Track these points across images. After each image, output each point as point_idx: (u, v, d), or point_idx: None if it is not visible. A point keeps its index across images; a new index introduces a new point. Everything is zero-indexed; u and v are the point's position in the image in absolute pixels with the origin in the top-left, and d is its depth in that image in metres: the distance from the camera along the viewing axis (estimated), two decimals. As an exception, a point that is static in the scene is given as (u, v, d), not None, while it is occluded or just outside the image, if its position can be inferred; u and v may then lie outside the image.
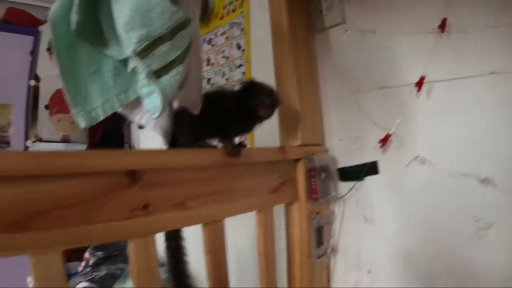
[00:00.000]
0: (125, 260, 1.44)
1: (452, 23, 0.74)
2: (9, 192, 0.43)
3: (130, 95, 0.60)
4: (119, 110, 0.63)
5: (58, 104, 1.86)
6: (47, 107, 1.85)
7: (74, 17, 0.55)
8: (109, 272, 1.37)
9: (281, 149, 0.76)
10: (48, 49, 1.87)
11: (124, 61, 0.61)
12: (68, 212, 0.48)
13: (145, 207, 0.54)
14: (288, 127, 0.85)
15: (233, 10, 1.24)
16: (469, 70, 0.72)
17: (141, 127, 1.77)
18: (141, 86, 0.53)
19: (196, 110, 0.62)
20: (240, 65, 1.20)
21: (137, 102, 0.64)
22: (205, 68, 1.34)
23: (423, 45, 0.79)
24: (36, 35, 1.93)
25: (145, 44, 0.47)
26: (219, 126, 0.67)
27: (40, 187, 0.45)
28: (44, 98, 1.85)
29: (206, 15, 1.32)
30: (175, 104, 0.67)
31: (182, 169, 0.58)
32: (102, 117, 0.59)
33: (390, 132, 0.81)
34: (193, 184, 0.60)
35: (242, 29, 1.20)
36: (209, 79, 1.33)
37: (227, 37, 1.26)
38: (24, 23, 1.98)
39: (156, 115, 0.51)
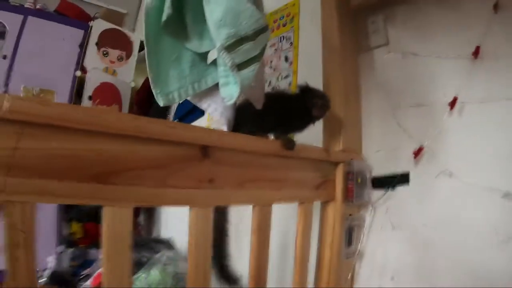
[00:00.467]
0: (150, 250, 1.51)
1: (486, 50, 0.84)
2: (103, 147, 0.50)
3: (202, 85, 0.69)
4: (189, 98, 0.72)
5: (101, 96, 1.99)
6: (90, 97, 1.98)
7: (166, 10, 0.65)
8: (136, 259, 1.43)
9: (327, 150, 0.83)
10: (97, 44, 2.02)
11: (201, 55, 0.71)
12: (148, 173, 0.55)
13: (211, 181, 0.62)
14: (332, 132, 0.93)
15: (284, 25, 1.34)
16: (498, 94, 0.80)
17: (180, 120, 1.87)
18: (220, 76, 0.62)
19: (259, 105, 0.70)
20: (287, 76, 1.29)
21: (205, 93, 0.73)
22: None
23: (458, 68, 0.88)
24: (87, 30, 2.07)
25: (233, 40, 0.56)
26: (277, 122, 0.75)
27: (129, 146, 0.53)
28: (88, 89, 1.98)
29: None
30: (240, 98, 0.75)
31: (245, 152, 0.66)
32: (177, 100, 0.68)
33: (424, 145, 0.87)
34: (253, 169, 0.68)
35: (291, 43, 1.30)
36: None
37: (275, 49, 1.36)
38: (75, 16, 2.14)
39: (231, 102, 0.60)
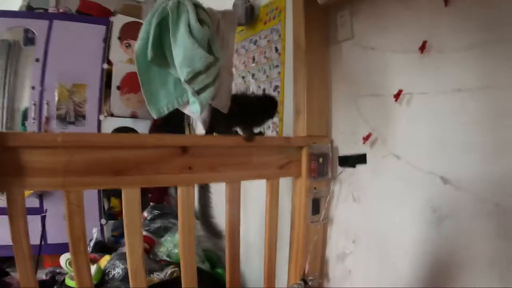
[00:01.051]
0: (176, 216, 2.03)
1: (434, 44, 1.05)
2: (119, 154, 0.94)
3: (184, 99, 1.10)
4: (177, 106, 1.14)
5: (127, 85, 2.49)
6: (118, 87, 2.48)
7: (149, 53, 1.05)
8: (163, 225, 1.97)
9: (287, 139, 1.22)
10: (119, 38, 2.50)
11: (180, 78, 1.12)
12: (147, 166, 0.99)
13: (190, 168, 1.04)
14: (298, 121, 1.30)
15: (274, 18, 1.67)
16: (443, 87, 1.02)
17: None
18: (189, 97, 1.03)
19: (225, 110, 1.10)
20: (277, 66, 1.63)
21: (187, 103, 1.14)
22: (251, 65, 1.82)
23: (407, 62, 1.11)
24: (108, 25, 2.55)
25: (191, 75, 0.96)
26: (242, 120, 1.15)
27: (134, 152, 0.97)
28: (116, 80, 2.48)
29: (252, 19, 1.78)
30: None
31: (215, 146, 1.07)
32: (166, 112, 1.10)
33: (373, 131, 1.21)
34: (222, 157, 1.09)
35: (280, 35, 1.63)
36: (253, 75, 1.80)
37: (268, 40, 1.70)
38: (96, 14, 2.62)
39: (196, 115, 1.01)
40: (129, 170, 0.97)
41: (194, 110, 1.02)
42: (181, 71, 0.97)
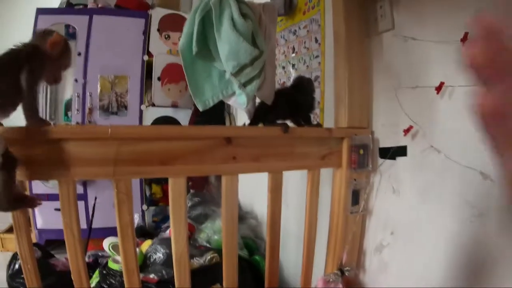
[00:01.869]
0: (216, 204, 2.07)
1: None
2: (166, 146, 0.97)
3: (228, 91, 1.12)
4: (222, 98, 1.16)
5: (168, 76, 2.55)
6: (159, 78, 2.54)
7: (194, 48, 1.07)
8: (203, 212, 2.03)
9: (329, 130, 1.21)
10: (158, 30, 2.54)
11: (224, 71, 1.13)
12: (192, 157, 1.01)
13: (234, 158, 1.06)
14: (339, 112, 1.29)
15: (313, 8, 1.65)
16: None
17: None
18: (235, 89, 1.04)
19: (269, 102, 1.11)
20: (317, 56, 1.62)
21: (232, 95, 1.15)
22: (291, 55, 1.82)
23: (448, 53, 1.08)
24: (147, 18, 2.60)
25: (237, 69, 0.98)
26: (284, 112, 1.15)
27: (180, 143, 0.99)
28: (156, 71, 2.54)
29: (291, 9, 1.77)
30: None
31: (258, 137, 1.08)
32: (212, 104, 1.12)
33: (412, 125, 1.18)
34: (264, 147, 1.10)
35: (319, 25, 1.61)
36: (293, 65, 1.80)
37: (308, 31, 1.69)
38: (134, 7, 2.68)
39: (243, 107, 1.02)
40: (175, 160, 1.00)
41: (241, 102, 1.03)
42: (227, 65, 0.99)
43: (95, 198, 1.59)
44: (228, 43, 0.98)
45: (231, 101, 1.17)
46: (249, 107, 1.16)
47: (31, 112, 0.87)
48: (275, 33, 1.21)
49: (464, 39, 1.03)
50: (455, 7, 1.08)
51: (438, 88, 1.10)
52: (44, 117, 2.49)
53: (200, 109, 1.12)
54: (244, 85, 1.00)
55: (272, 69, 1.15)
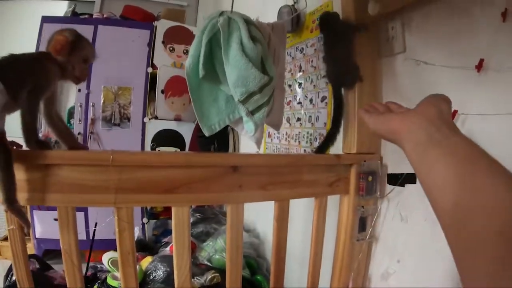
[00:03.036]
0: (218, 222, 2.01)
1: (491, 61, 0.96)
2: (171, 173, 0.92)
3: (235, 116, 1.07)
4: (228, 123, 1.11)
5: (172, 89, 2.51)
6: (162, 91, 2.50)
7: (201, 70, 1.02)
8: (205, 230, 1.97)
9: (337, 157, 1.16)
10: (163, 42, 2.50)
11: (231, 95, 1.08)
12: (197, 185, 0.96)
13: (240, 186, 1.00)
14: (348, 137, 1.24)
15: (320, 36, 1.61)
16: (499, 107, 0.94)
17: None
18: (243, 116, 0.99)
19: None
20: (325, 76, 1.56)
21: (239, 119, 1.10)
22: (298, 74, 1.76)
23: (462, 79, 1.03)
24: (152, 29, 2.56)
25: (245, 96, 0.93)
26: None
27: (185, 171, 0.94)
28: (160, 83, 2.50)
29: (298, 26, 1.72)
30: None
31: (265, 165, 1.03)
32: (218, 129, 1.07)
33: None
34: (271, 175, 1.05)
35: (327, 44, 1.57)
36: (300, 84, 1.74)
37: (315, 49, 1.63)
38: (139, 18, 2.64)
39: (251, 135, 0.97)
40: (179, 188, 0.95)
41: (248, 129, 0.98)
42: (235, 91, 0.94)
43: (95, 224, 1.54)
44: (236, 68, 0.93)
45: (238, 127, 1.12)
46: (256, 135, 1.11)
47: (30, 134, 0.83)
48: (284, 54, 1.17)
49: (479, 66, 0.99)
50: (469, 32, 1.03)
51: (452, 116, 1.05)
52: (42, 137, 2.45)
53: (206, 134, 1.07)
54: (252, 113, 0.95)
55: (281, 93, 1.10)
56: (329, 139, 1.20)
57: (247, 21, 0.99)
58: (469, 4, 1.03)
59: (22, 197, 0.83)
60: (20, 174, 0.81)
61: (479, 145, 0.53)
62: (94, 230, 1.55)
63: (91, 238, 2.06)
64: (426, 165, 0.54)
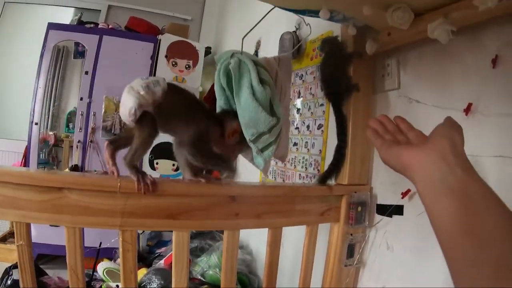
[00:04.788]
0: (212, 238, 2.10)
1: (479, 105, 1.04)
2: (173, 201, 1.02)
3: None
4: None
5: None
6: (163, 105, 2.58)
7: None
8: (200, 245, 2.06)
9: (330, 188, 1.26)
10: (166, 56, 2.60)
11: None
12: (197, 212, 1.06)
13: (237, 214, 1.10)
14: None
15: (320, 55, 1.70)
16: (484, 150, 1.01)
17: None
18: (253, 152, 1.10)
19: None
20: (322, 104, 1.66)
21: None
22: (297, 99, 1.85)
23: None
24: (156, 43, 2.66)
25: (255, 136, 1.03)
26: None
27: (187, 199, 1.03)
28: (162, 98, 2.58)
29: (299, 53, 1.82)
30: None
31: (261, 196, 1.13)
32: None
33: (410, 188, 1.23)
34: (266, 205, 1.15)
35: (325, 74, 1.66)
36: (298, 109, 1.84)
37: (314, 77, 1.73)
38: (144, 31, 2.73)
39: (260, 168, 1.07)
40: (181, 214, 1.04)
41: (258, 164, 1.10)
42: (246, 131, 1.06)
43: (100, 244, 1.62)
44: (248, 111, 1.03)
45: (247, 157, 1.22)
46: (265, 168, 1.21)
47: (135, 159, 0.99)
48: (290, 87, 1.27)
49: (467, 109, 1.06)
50: (460, 76, 1.12)
51: None
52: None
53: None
54: (261, 150, 1.07)
55: (287, 127, 1.20)
56: (337, 164, 1.27)
57: (256, 63, 1.09)
58: (461, 48, 1.12)
59: (32, 216, 0.93)
60: (32, 195, 0.91)
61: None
62: (98, 250, 1.64)
63: (86, 246, 2.14)
64: (437, 211, 0.55)
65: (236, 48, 1.18)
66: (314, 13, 1.15)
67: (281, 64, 1.24)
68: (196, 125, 1.02)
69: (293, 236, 1.74)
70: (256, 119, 1.02)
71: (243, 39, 1.21)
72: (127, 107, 0.91)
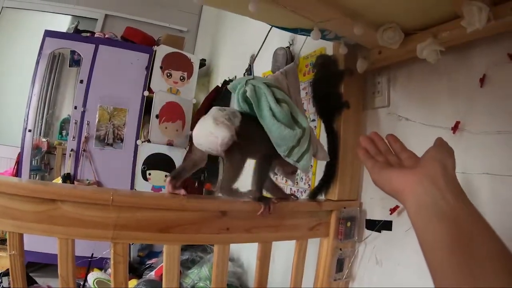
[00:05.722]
0: (203, 250, 2.12)
1: (467, 123, 1.08)
2: (165, 214, 1.04)
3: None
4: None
5: (166, 114, 2.64)
6: (157, 116, 2.62)
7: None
8: (191, 257, 2.08)
9: (319, 204, 1.29)
10: (161, 67, 2.63)
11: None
12: (189, 227, 1.08)
13: (227, 229, 1.12)
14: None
15: (313, 71, 1.74)
16: (470, 167, 1.05)
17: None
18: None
19: (327, 159, 1.27)
20: (314, 120, 1.69)
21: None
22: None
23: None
24: (151, 54, 2.70)
25: (287, 151, 1.09)
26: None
27: (178, 213, 1.06)
28: (155, 108, 2.62)
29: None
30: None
31: (251, 211, 1.16)
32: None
33: (398, 204, 1.26)
34: (257, 219, 1.17)
35: (317, 90, 1.70)
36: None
37: (306, 93, 1.77)
38: (140, 41, 2.77)
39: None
40: (172, 228, 1.06)
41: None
42: (279, 149, 1.12)
43: (92, 255, 1.64)
44: (273, 132, 1.09)
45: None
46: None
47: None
48: (299, 93, 1.36)
49: (454, 127, 1.10)
50: (449, 94, 1.16)
51: None
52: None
53: None
54: (297, 161, 1.12)
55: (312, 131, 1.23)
56: (327, 180, 1.34)
57: (269, 85, 1.14)
58: (450, 67, 1.16)
59: (27, 226, 0.94)
60: (27, 206, 0.92)
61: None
62: (90, 261, 1.65)
63: (77, 255, 2.15)
64: (428, 236, 0.57)
65: (231, 61, 1.23)
66: (306, 32, 1.19)
67: (288, 75, 1.29)
68: (265, 147, 1.13)
69: (284, 251, 1.77)
70: (282, 137, 1.08)
71: (252, 63, 1.25)
72: (219, 137, 1.01)
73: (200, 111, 2.82)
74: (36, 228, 0.96)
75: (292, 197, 1.26)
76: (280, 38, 1.99)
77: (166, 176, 2.67)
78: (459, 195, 0.58)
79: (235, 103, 1.18)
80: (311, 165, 1.28)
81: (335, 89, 1.32)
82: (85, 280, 1.78)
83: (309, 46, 1.78)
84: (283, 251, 1.77)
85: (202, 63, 2.95)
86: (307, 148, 1.13)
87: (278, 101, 1.10)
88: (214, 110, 1.07)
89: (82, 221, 0.98)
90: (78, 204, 0.97)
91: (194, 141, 1.08)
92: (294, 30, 1.25)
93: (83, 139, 2.59)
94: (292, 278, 1.30)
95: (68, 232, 0.98)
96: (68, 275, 1.00)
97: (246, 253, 2.33)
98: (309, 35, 1.11)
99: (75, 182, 2.61)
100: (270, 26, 1.32)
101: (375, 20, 1.12)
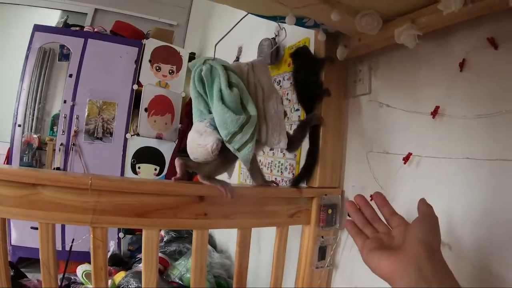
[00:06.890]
0: (191, 242, 2.15)
1: (446, 108, 1.09)
2: (143, 199, 1.07)
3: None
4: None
5: (155, 107, 2.67)
6: (146, 109, 2.65)
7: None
8: (178, 249, 2.12)
9: (299, 190, 1.31)
10: (150, 61, 2.66)
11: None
12: (167, 211, 1.11)
13: (205, 214, 1.15)
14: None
15: (293, 61, 1.77)
16: (450, 152, 1.06)
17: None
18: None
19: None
20: (298, 110, 1.72)
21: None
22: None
23: (419, 124, 1.16)
24: (140, 47, 2.73)
25: (229, 137, 1.08)
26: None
27: (156, 198, 1.09)
28: (144, 101, 2.66)
29: (277, 59, 1.89)
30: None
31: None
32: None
33: (380, 190, 1.28)
34: (236, 205, 1.20)
35: (301, 79, 1.73)
36: (275, 114, 1.90)
37: (291, 83, 1.79)
38: (129, 35, 2.80)
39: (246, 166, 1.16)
40: (151, 213, 1.09)
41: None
42: (221, 134, 1.11)
43: (73, 240, 1.67)
44: (217, 114, 1.09)
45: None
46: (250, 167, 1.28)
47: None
48: (269, 81, 1.29)
49: (434, 112, 1.11)
50: (428, 80, 1.17)
51: (406, 158, 1.18)
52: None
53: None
54: (238, 150, 1.10)
55: (275, 115, 1.23)
56: (309, 167, 1.37)
57: (226, 68, 1.14)
58: (430, 53, 1.18)
59: (7, 211, 0.97)
60: (8, 191, 0.95)
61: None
62: (71, 246, 1.68)
63: (67, 250, 2.19)
64: None
65: (220, 55, 1.24)
66: (284, 20, 1.21)
67: (255, 68, 1.29)
68: None
69: (271, 241, 1.79)
70: (224, 120, 1.07)
71: (215, 45, 1.27)
72: (207, 145, 1.06)
73: (189, 104, 2.85)
74: (17, 212, 0.99)
75: (273, 184, 1.30)
76: (267, 30, 2.02)
77: (155, 169, 2.70)
78: (445, 280, 0.63)
79: (191, 83, 1.18)
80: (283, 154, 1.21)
81: (314, 77, 1.35)
82: (65, 269, 1.81)
83: (294, 36, 1.82)
84: (270, 242, 1.80)
85: (192, 56, 2.98)
86: (251, 138, 1.12)
87: (231, 84, 1.10)
88: (195, 124, 1.15)
89: (62, 205, 1.00)
90: (58, 189, 1.00)
91: (191, 158, 1.12)
92: (273, 18, 1.27)
93: (72, 133, 2.62)
94: (273, 265, 1.33)
95: (48, 217, 1.00)
96: (49, 260, 1.02)
97: (234, 244, 2.32)
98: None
99: (66, 176, 2.62)
100: (258, 19, 1.34)
101: (353, 6, 1.13)
